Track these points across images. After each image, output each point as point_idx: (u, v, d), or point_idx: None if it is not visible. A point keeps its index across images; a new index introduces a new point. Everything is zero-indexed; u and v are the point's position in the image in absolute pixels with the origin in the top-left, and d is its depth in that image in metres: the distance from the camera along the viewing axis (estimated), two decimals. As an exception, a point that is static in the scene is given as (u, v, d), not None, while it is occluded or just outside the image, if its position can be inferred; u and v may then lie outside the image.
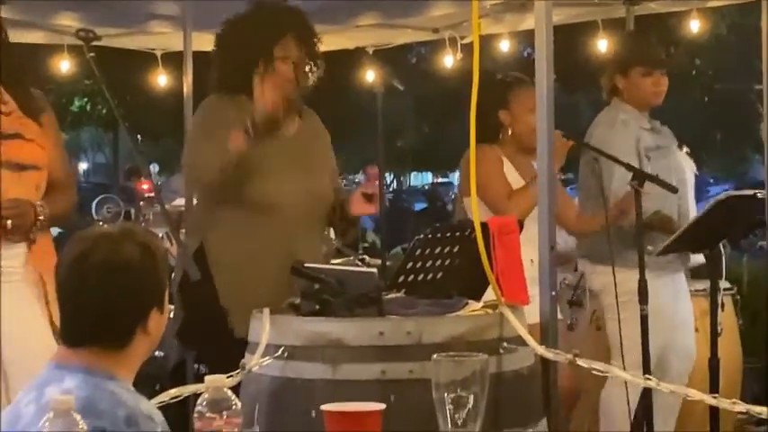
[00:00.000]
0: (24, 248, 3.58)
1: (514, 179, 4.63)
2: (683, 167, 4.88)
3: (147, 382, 4.98)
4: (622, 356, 4.43)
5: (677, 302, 4.79)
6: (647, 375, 3.20)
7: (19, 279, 3.57)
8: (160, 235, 6.02)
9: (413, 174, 39.33)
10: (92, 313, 2.36)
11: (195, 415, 2.08)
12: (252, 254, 3.92)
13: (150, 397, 2.80)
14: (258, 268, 3.89)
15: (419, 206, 22.85)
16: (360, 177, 34.94)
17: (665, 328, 4.57)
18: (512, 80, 4.71)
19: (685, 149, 5.08)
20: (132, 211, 8.27)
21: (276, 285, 3.65)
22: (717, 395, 2.98)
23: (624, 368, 4.06)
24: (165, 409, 2.78)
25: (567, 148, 4.49)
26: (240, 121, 3.83)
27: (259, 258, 3.90)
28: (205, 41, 6.89)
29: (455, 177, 36.72)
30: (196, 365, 5.39)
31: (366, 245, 7.58)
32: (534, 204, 4.39)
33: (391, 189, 32.97)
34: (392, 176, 35.28)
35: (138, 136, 21.80)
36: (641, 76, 4.84)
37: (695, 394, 2.84)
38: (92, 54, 3.80)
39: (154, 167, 29.80)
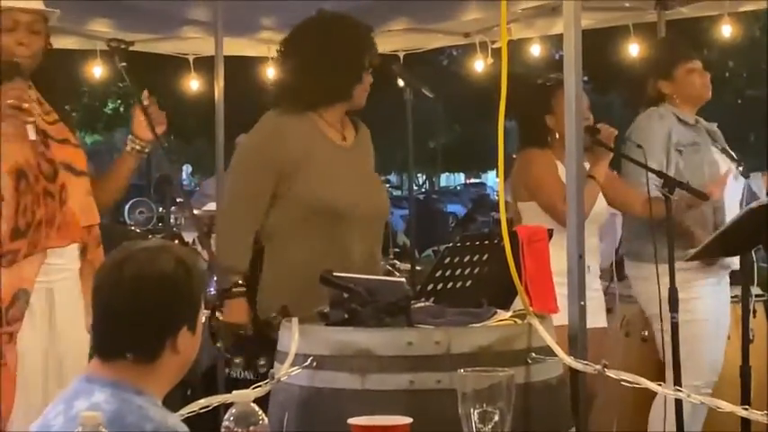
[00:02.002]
0: (75, 248, 3.69)
1: None
2: (719, 165, 4.83)
3: (178, 387, 5.00)
4: (675, 368, 4.37)
5: (719, 307, 4.77)
6: (677, 387, 3.18)
7: (70, 278, 3.69)
8: (191, 240, 6.04)
9: (444, 175, 39.30)
10: (121, 323, 2.37)
11: (222, 430, 2.10)
12: (315, 261, 3.82)
13: (181, 402, 2.82)
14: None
15: (451, 207, 22.84)
16: (392, 178, 35.00)
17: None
18: (553, 84, 4.67)
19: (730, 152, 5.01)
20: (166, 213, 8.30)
21: None
22: (748, 406, 2.95)
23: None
24: (195, 415, 2.80)
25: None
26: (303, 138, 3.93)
27: (324, 265, 3.83)
28: (236, 46, 6.95)
29: (487, 178, 36.72)
30: (227, 370, 5.41)
31: (397, 249, 7.56)
32: (590, 206, 4.38)
33: (422, 190, 32.97)
34: (424, 177, 35.29)
35: (172, 137, 21.91)
36: (687, 73, 4.83)
37: (726, 406, 2.81)
38: (123, 64, 3.84)
39: (186, 168, 29.92)
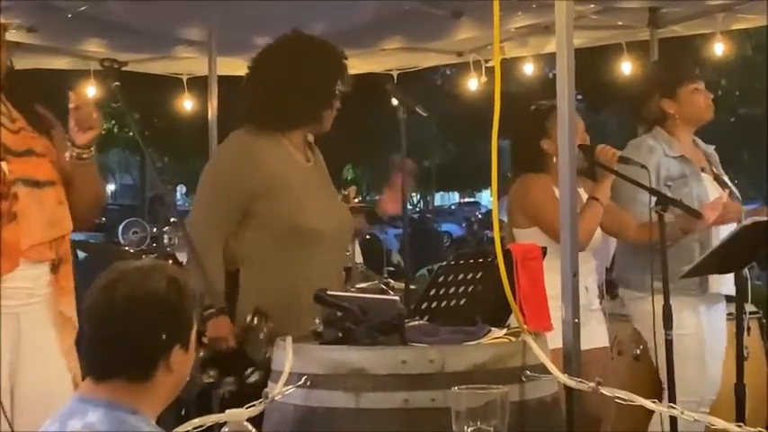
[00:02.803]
0: (47, 269, 3.53)
1: None
2: (708, 195, 4.82)
3: (173, 407, 4.98)
4: (669, 386, 4.35)
5: (701, 327, 4.77)
6: (670, 404, 3.18)
7: (39, 302, 3.53)
8: (185, 260, 6.03)
9: (439, 194, 39.35)
10: (114, 343, 2.36)
11: (216, 449, 2.09)
12: (295, 282, 3.87)
13: (176, 421, 2.81)
14: (303, 296, 3.65)
15: (445, 227, 22.84)
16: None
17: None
18: (545, 108, 4.64)
19: (725, 178, 5.00)
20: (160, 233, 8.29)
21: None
22: (742, 424, 2.95)
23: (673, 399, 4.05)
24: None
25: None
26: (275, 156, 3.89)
27: (302, 285, 3.74)
28: (230, 66, 6.97)
29: (481, 197, 36.76)
30: (221, 390, 5.39)
31: (391, 268, 7.57)
32: (593, 230, 4.38)
33: (417, 209, 32.99)
34: (418, 196, 35.33)
35: (166, 158, 21.93)
36: (691, 93, 4.82)
37: (720, 423, 2.81)
38: (116, 83, 3.78)
39: (180, 189, 29.94)
